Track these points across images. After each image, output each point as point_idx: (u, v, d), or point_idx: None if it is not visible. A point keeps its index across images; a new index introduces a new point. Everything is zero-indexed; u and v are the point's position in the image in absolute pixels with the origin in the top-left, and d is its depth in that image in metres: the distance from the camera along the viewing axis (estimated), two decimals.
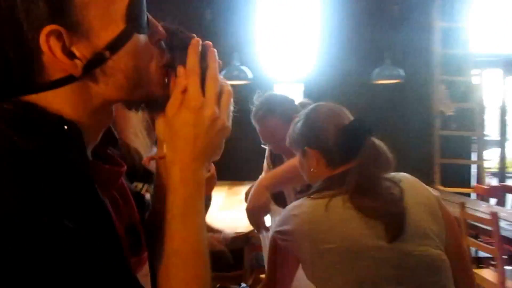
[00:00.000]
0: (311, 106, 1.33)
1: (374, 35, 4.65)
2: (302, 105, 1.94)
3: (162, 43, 0.55)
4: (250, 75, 4.06)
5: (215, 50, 0.57)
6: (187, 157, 0.54)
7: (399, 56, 4.51)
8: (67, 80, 0.48)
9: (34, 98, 0.48)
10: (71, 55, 0.47)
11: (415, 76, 4.60)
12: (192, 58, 0.54)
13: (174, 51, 0.55)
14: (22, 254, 0.39)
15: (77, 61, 0.47)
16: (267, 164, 2.14)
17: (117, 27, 0.48)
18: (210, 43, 0.57)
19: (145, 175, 0.99)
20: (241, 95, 2.32)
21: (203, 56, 0.55)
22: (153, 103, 0.56)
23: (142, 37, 0.51)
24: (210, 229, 2.57)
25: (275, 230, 1.17)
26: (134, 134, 1.06)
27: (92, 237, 0.44)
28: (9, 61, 0.46)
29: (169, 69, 0.56)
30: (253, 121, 1.92)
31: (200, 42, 0.56)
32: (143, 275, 0.58)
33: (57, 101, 0.49)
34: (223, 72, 3.89)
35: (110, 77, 0.49)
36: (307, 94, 4.70)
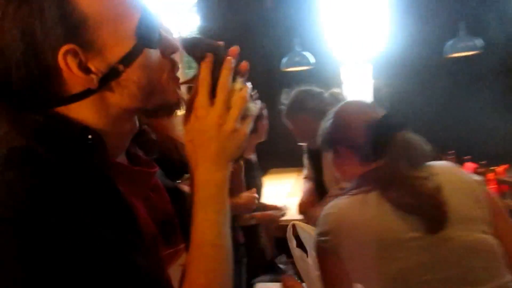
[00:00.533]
0: (340, 105, 1.31)
1: (446, 4, 4.28)
2: (332, 95, 1.84)
3: (174, 55, 0.61)
4: (312, 60, 3.93)
5: (231, 58, 0.60)
6: (205, 161, 0.60)
7: (476, 25, 4.10)
8: (86, 93, 0.55)
9: (61, 110, 0.55)
10: (87, 70, 0.53)
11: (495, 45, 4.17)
12: (203, 70, 0.59)
13: (196, 61, 0.60)
14: (46, 251, 0.45)
15: (93, 76, 0.53)
16: (306, 161, 2.08)
17: (129, 43, 0.54)
18: (235, 49, 0.61)
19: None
20: (304, 82, 2.27)
21: (218, 66, 0.60)
22: (169, 110, 0.62)
23: (153, 51, 0.57)
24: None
25: (316, 233, 1.15)
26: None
27: (109, 236, 0.49)
28: (34, 78, 0.52)
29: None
30: (285, 121, 1.86)
31: (217, 54, 0.61)
32: (179, 264, 0.64)
33: (80, 112, 0.56)
34: (284, 59, 3.81)
35: (125, 88, 0.56)
36: (376, 75, 4.46)
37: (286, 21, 4.33)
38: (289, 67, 3.90)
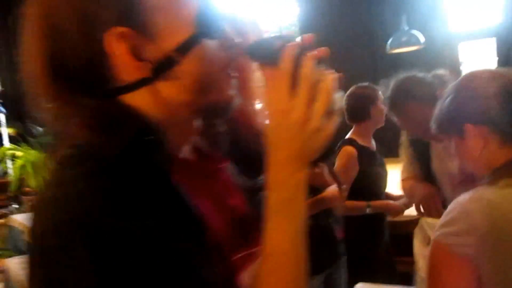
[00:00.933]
0: (463, 75, 1.05)
1: None
2: (438, 77, 1.59)
3: (234, 50, 0.55)
4: (422, 39, 3.58)
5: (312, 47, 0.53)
6: (282, 159, 0.53)
7: None
8: (142, 82, 0.50)
9: (121, 99, 0.51)
10: (140, 57, 0.49)
11: None
12: (285, 60, 0.51)
13: (264, 56, 0.54)
14: (103, 250, 0.43)
15: (146, 63, 0.49)
16: (405, 152, 1.84)
17: (186, 31, 0.50)
18: (310, 36, 0.54)
19: None
20: (413, 63, 2.05)
21: (299, 56, 0.52)
22: (221, 111, 0.58)
23: (212, 43, 0.52)
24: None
25: (441, 232, 0.90)
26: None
27: (177, 248, 0.47)
28: (87, 61, 0.48)
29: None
30: (391, 113, 1.66)
31: (300, 42, 0.53)
32: (254, 269, 0.58)
33: (138, 103, 0.51)
34: (389, 40, 3.54)
35: (179, 80, 0.51)
36: (501, 51, 3.92)
37: None
38: (396, 48, 3.60)
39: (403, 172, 1.91)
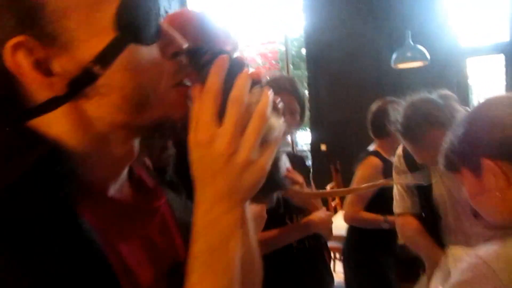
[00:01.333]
0: (479, 103, 0.91)
1: None
2: (443, 97, 1.46)
3: (182, 56, 0.46)
4: (427, 54, 3.49)
5: (247, 66, 0.45)
6: (209, 198, 0.44)
7: None
8: (53, 101, 0.41)
9: (34, 123, 0.43)
10: (48, 72, 0.40)
11: None
12: (212, 76, 0.43)
13: (203, 68, 0.45)
14: None
15: (56, 78, 0.40)
16: (399, 164, 1.71)
17: (106, 36, 0.40)
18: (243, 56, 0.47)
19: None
20: (418, 78, 1.97)
21: (233, 74, 0.43)
22: (172, 129, 0.47)
23: (145, 49, 0.43)
24: None
25: None
26: None
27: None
28: None
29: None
30: (406, 139, 1.50)
31: (231, 57, 0.44)
32: None
33: (53, 128, 0.43)
34: (395, 55, 3.47)
35: (105, 96, 0.42)
36: (509, 68, 3.84)
37: (398, 10, 3.96)
38: (400, 63, 3.53)
39: (398, 204, 1.71)
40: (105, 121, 0.44)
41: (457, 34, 4.06)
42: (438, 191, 1.59)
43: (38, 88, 0.41)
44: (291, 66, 5.61)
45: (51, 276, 0.37)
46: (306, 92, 4.69)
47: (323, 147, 4.69)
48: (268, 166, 0.44)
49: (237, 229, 0.45)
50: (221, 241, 0.44)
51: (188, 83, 0.47)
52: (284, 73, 5.02)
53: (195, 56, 0.46)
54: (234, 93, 0.42)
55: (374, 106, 2.16)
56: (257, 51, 10.89)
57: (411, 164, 1.63)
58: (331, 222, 1.59)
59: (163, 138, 0.51)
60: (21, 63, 0.39)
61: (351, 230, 2.20)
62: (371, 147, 2.18)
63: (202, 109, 0.43)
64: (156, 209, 0.53)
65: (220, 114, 0.42)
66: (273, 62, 11.18)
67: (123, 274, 0.43)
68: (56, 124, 0.43)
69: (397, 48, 3.50)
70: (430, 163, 1.50)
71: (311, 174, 1.75)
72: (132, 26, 0.42)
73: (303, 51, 6.45)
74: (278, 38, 10.33)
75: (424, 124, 1.42)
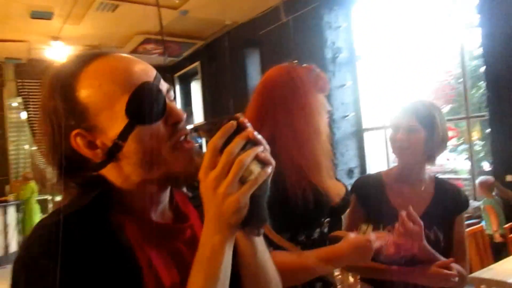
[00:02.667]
0: None
1: None
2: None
3: (180, 124, 0.68)
4: None
5: (251, 129, 0.60)
6: (207, 221, 0.62)
7: None
8: (102, 163, 0.68)
9: (103, 173, 0.69)
10: (94, 147, 0.67)
11: None
12: (217, 134, 0.60)
13: (210, 131, 0.61)
14: None
15: (98, 151, 0.67)
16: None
17: (122, 122, 0.65)
18: (246, 120, 0.60)
19: (333, 211, 1.25)
20: None
21: (234, 134, 0.59)
22: (176, 180, 0.69)
23: (148, 127, 0.66)
24: None
25: None
26: (327, 177, 1.26)
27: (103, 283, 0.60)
28: (68, 155, 0.67)
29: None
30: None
31: (237, 123, 0.60)
32: None
33: (110, 176, 0.69)
34: None
35: (128, 158, 0.66)
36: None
37: None
38: None
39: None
40: (133, 174, 0.67)
41: None
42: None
43: (91, 157, 0.67)
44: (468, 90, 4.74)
45: (94, 269, 0.60)
46: (487, 114, 4.18)
47: (509, 178, 4.02)
48: (243, 200, 0.58)
49: (223, 247, 0.61)
50: (211, 254, 0.61)
51: (186, 144, 0.68)
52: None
53: (207, 124, 0.64)
54: (228, 147, 0.58)
55: None
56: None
57: None
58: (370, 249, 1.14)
59: (179, 186, 0.75)
60: (79, 144, 0.66)
61: None
62: None
63: (206, 155, 0.60)
64: (185, 227, 0.74)
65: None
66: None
67: (148, 272, 0.64)
68: (110, 175, 0.69)
69: None
70: None
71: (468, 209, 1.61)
72: (137, 114, 0.65)
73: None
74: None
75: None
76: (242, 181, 0.59)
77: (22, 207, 7.04)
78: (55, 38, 6.43)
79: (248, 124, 0.61)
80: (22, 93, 7.93)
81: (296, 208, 1.15)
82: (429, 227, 1.41)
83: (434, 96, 8.80)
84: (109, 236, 0.63)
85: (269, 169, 0.61)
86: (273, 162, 0.61)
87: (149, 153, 0.66)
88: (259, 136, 0.61)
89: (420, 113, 1.42)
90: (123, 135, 0.65)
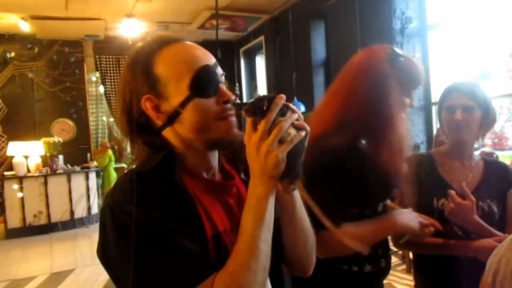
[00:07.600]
0: None
1: None
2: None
3: (230, 103, 0.83)
4: None
5: (282, 97, 0.73)
6: (252, 177, 0.76)
7: None
8: (163, 126, 0.84)
9: (163, 134, 0.85)
10: (159, 111, 0.82)
11: None
12: (270, 112, 0.72)
13: (256, 111, 0.73)
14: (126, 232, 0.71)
15: (161, 114, 0.82)
16: None
17: (184, 94, 0.80)
18: (282, 96, 0.73)
19: None
20: None
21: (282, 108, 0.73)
22: (219, 145, 0.86)
23: (204, 100, 0.81)
24: None
25: None
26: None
27: (169, 225, 0.73)
28: (139, 116, 0.84)
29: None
30: None
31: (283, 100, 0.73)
32: None
33: (170, 138, 0.86)
34: None
35: (184, 123, 0.82)
36: None
37: None
38: None
39: None
40: (187, 137, 0.83)
41: None
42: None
43: (155, 120, 0.83)
44: None
45: (164, 212, 0.74)
46: None
47: None
48: (281, 156, 0.70)
49: (267, 197, 0.74)
50: (257, 201, 0.74)
51: (230, 117, 0.84)
52: None
53: (238, 104, 0.80)
54: (267, 114, 0.72)
55: None
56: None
57: None
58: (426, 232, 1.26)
59: (224, 149, 0.90)
60: (148, 107, 0.82)
61: None
62: None
63: (248, 123, 0.75)
64: (231, 185, 0.91)
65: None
66: None
67: (205, 217, 0.80)
68: (170, 137, 0.85)
69: None
70: None
71: None
72: (198, 89, 0.80)
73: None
74: None
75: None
76: (281, 141, 0.71)
77: (102, 173, 7.67)
78: (129, 15, 6.79)
79: (284, 98, 0.73)
80: (100, 68, 8.53)
81: (379, 183, 1.25)
82: (483, 199, 1.49)
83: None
84: (175, 189, 0.78)
85: (303, 133, 0.73)
86: (307, 127, 0.74)
87: (199, 122, 0.81)
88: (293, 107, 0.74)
89: (476, 93, 1.50)
90: (183, 104, 0.80)
